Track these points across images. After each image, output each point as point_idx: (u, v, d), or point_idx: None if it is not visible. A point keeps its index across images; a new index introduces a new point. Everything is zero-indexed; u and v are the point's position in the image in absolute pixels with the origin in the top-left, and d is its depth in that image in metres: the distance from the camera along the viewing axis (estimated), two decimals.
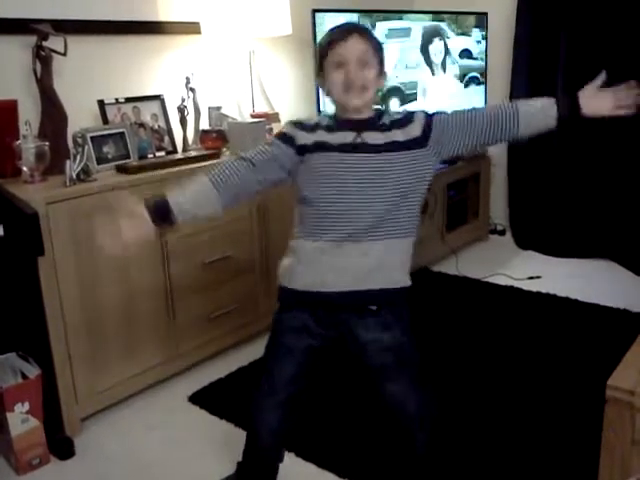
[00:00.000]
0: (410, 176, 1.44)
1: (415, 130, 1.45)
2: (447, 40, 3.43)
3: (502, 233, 3.94)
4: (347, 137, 1.46)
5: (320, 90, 2.80)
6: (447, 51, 3.45)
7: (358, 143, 1.45)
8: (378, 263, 1.43)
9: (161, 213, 1.42)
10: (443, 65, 3.44)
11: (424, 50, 3.33)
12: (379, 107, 1.59)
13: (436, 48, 3.39)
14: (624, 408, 1.34)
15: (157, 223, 1.43)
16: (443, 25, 3.39)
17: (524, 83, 3.57)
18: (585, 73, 3.23)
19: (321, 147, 1.46)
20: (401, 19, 3.21)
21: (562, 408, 2.04)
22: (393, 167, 1.43)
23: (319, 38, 2.80)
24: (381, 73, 1.51)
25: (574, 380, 2.20)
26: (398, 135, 1.45)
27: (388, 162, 1.43)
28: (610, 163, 3.35)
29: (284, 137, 1.50)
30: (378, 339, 1.47)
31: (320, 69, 1.51)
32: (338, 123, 1.48)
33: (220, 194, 1.45)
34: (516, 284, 3.13)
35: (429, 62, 3.37)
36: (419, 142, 1.45)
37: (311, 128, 1.49)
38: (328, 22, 2.84)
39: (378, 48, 1.50)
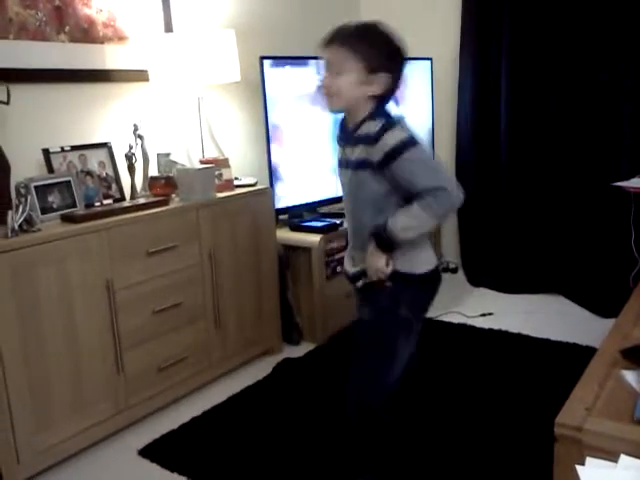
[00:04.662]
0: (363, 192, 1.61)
1: (373, 154, 1.54)
2: None
3: (454, 271, 3.99)
4: (339, 152, 1.70)
5: (270, 135, 2.87)
6: None
7: (343, 160, 1.67)
8: None
9: None
10: None
11: None
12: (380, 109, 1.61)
13: None
14: (572, 445, 1.35)
15: None
16: None
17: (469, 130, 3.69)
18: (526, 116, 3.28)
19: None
20: None
21: (515, 447, 2.05)
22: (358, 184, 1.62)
23: (267, 84, 2.88)
24: (368, 76, 1.55)
25: (527, 418, 2.21)
26: (358, 152, 1.58)
27: (355, 178, 1.61)
28: (557, 203, 3.45)
29: None
30: None
31: None
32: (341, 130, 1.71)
33: None
34: (469, 322, 3.17)
35: None
36: (371, 165, 1.56)
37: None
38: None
39: (364, 51, 1.53)
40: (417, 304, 1.69)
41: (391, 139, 1.51)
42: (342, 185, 1.71)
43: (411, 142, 1.52)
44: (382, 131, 1.52)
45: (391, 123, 1.54)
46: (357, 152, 1.58)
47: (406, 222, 1.54)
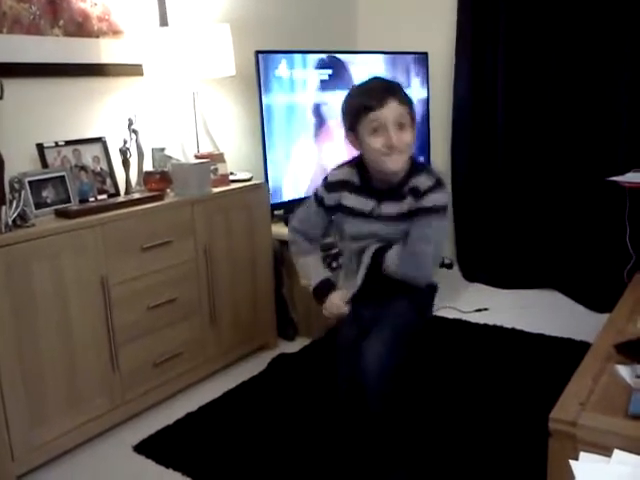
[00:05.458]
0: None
1: (414, 205, 1.65)
2: None
3: (449, 267, 3.99)
4: (368, 204, 1.70)
5: (265, 130, 2.86)
6: None
7: (376, 214, 1.70)
8: None
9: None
10: None
11: None
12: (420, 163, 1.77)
13: None
14: (566, 440, 1.36)
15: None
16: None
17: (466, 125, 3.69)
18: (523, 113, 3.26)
19: (344, 210, 1.74)
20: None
21: (509, 442, 2.05)
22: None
23: (263, 78, 2.87)
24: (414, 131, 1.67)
25: (521, 413, 2.21)
26: (406, 206, 1.66)
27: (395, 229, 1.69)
28: (552, 198, 3.45)
29: (316, 197, 1.80)
30: None
31: (351, 128, 1.66)
32: (364, 186, 1.71)
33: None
34: (464, 317, 3.17)
35: None
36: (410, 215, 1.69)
37: (337, 187, 1.74)
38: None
39: (412, 107, 1.65)
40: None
41: (438, 199, 1.63)
42: (359, 234, 1.75)
43: (445, 209, 1.65)
44: (434, 188, 1.63)
45: (441, 181, 1.65)
46: (402, 206, 1.66)
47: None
